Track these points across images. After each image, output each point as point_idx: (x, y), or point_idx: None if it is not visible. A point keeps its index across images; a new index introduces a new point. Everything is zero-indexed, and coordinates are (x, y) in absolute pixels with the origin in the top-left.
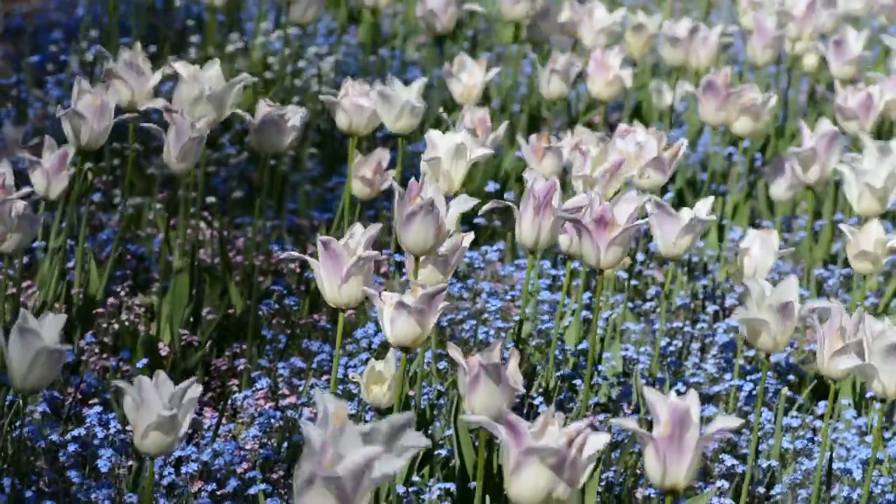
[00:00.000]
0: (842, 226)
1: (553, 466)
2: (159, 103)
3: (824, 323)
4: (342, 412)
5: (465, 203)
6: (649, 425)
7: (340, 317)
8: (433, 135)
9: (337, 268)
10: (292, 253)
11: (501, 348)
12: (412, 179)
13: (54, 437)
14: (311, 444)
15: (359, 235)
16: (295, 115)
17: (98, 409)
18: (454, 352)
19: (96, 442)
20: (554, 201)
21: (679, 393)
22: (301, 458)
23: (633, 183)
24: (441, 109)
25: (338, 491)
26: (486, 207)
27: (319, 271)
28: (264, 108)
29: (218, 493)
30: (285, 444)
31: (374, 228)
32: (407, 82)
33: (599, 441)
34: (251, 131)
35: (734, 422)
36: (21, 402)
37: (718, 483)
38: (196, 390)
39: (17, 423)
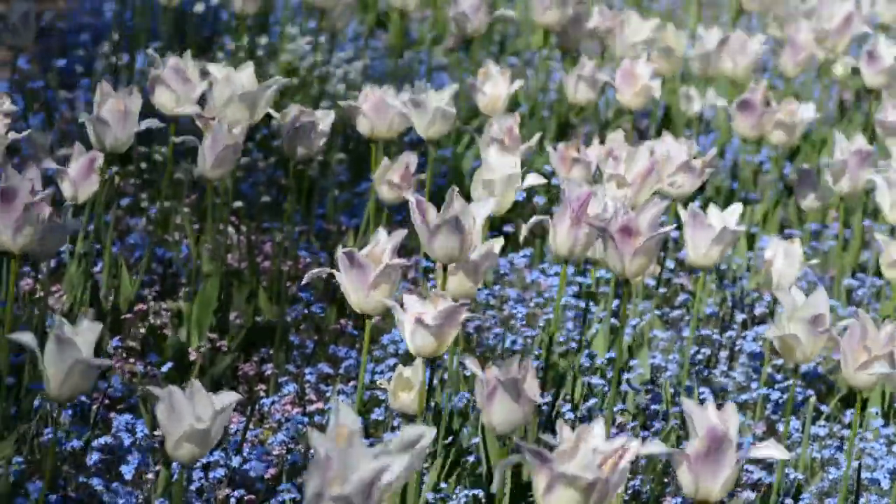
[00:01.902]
0: (876, 234)
1: (584, 490)
2: (191, 109)
3: (849, 333)
4: (343, 431)
5: (487, 207)
6: (678, 437)
7: (368, 324)
8: (491, 156)
9: (363, 277)
10: (316, 271)
11: (521, 361)
12: (423, 199)
13: (77, 444)
14: (317, 456)
15: (383, 242)
16: (325, 119)
17: (127, 417)
18: (471, 363)
19: (124, 446)
20: (590, 210)
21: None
22: (309, 470)
23: (663, 190)
24: (460, 122)
25: None
26: (525, 229)
27: (344, 282)
28: (295, 112)
29: (245, 498)
30: (312, 451)
31: (399, 235)
32: (434, 87)
33: (641, 449)
34: (282, 135)
35: (781, 453)
36: (56, 409)
37: (747, 494)
38: (232, 403)
39: (46, 430)
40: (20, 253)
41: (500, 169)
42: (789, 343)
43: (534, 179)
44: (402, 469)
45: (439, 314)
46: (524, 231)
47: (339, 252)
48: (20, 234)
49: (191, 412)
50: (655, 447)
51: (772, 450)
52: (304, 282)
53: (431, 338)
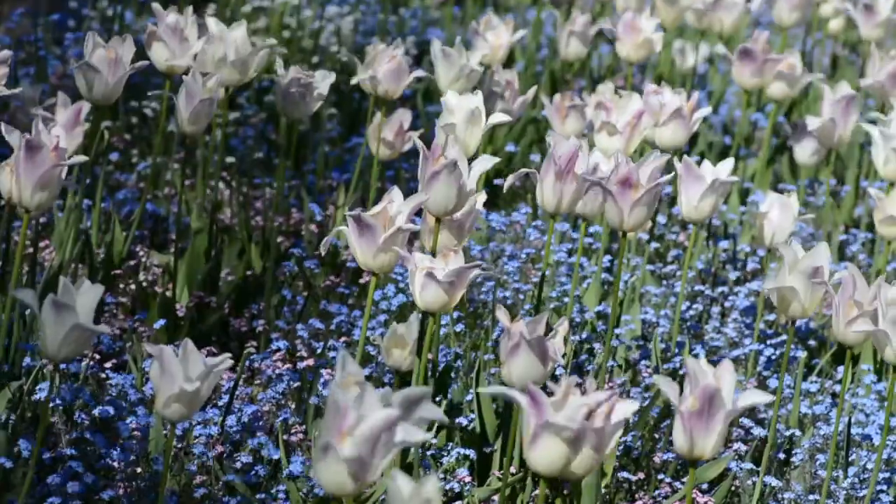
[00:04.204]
0: (869, 189)
1: (570, 441)
2: (186, 63)
3: (840, 289)
4: (350, 380)
5: (486, 162)
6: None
7: (373, 281)
8: (450, 98)
9: (372, 237)
10: (329, 239)
11: (548, 319)
12: (435, 141)
13: (71, 398)
14: (334, 406)
15: (398, 203)
16: (323, 82)
17: (128, 377)
18: (501, 314)
19: (118, 403)
20: (577, 166)
21: (712, 363)
22: (323, 420)
23: (653, 141)
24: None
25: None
26: (508, 182)
27: (352, 240)
28: (292, 74)
29: (235, 454)
30: (303, 407)
31: (417, 199)
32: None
33: (628, 409)
34: (277, 96)
35: (765, 397)
36: (47, 367)
37: (736, 446)
38: (224, 365)
39: (38, 388)
40: (35, 210)
41: (459, 108)
42: (787, 296)
43: (499, 118)
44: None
45: (451, 272)
46: (509, 182)
47: (347, 214)
48: (39, 193)
49: (182, 373)
50: (667, 386)
51: (756, 396)
52: (322, 252)
53: (443, 293)
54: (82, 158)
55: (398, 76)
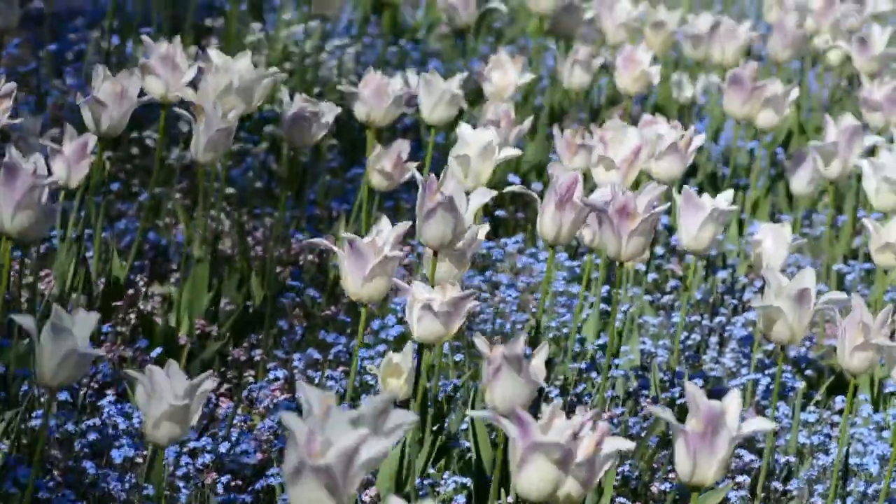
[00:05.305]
0: (865, 220)
1: (558, 461)
2: (188, 94)
3: (846, 316)
4: (329, 400)
5: (483, 195)
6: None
7: (363, 312)
8: (465, 130)
9: (361, 265)
10: (317, 240)
11: (525, 341)
12: (432, 175)
13: (70, 427)
14: (294, 434)
15: (386, 232)
16: (329, 112)
17: (118, 401)
18: (480, 342)
19: (112, 432)
20: (576, 196)
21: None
22: (286, 449)
23: (650, 173)
24: (465, 104)
25: (327, 479)
26: (511, 189)
27: (344, 265)
28: (301, 102)
29: (232, 483)
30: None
31: (403, 227)
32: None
33: (620, 444)
34: (283, 124)
35: (768, 424)
36: (45, 394)
37: (737, 479)
38: (210, 383)
39: (34, 414)
40: (16, 235)
41: (475, 141)
42: (773, 317)
43: (510, 152)
44: (380, 447)
45: (448, 302)
46: (518, 189)
47: (343, 237)
48: (19, 215)
49: (170, 391)
50: (663, 412)
51: (758, 423)
52: (304, 242)
53: (439, 325)
54: (55, 177)
55: (379, 97)
